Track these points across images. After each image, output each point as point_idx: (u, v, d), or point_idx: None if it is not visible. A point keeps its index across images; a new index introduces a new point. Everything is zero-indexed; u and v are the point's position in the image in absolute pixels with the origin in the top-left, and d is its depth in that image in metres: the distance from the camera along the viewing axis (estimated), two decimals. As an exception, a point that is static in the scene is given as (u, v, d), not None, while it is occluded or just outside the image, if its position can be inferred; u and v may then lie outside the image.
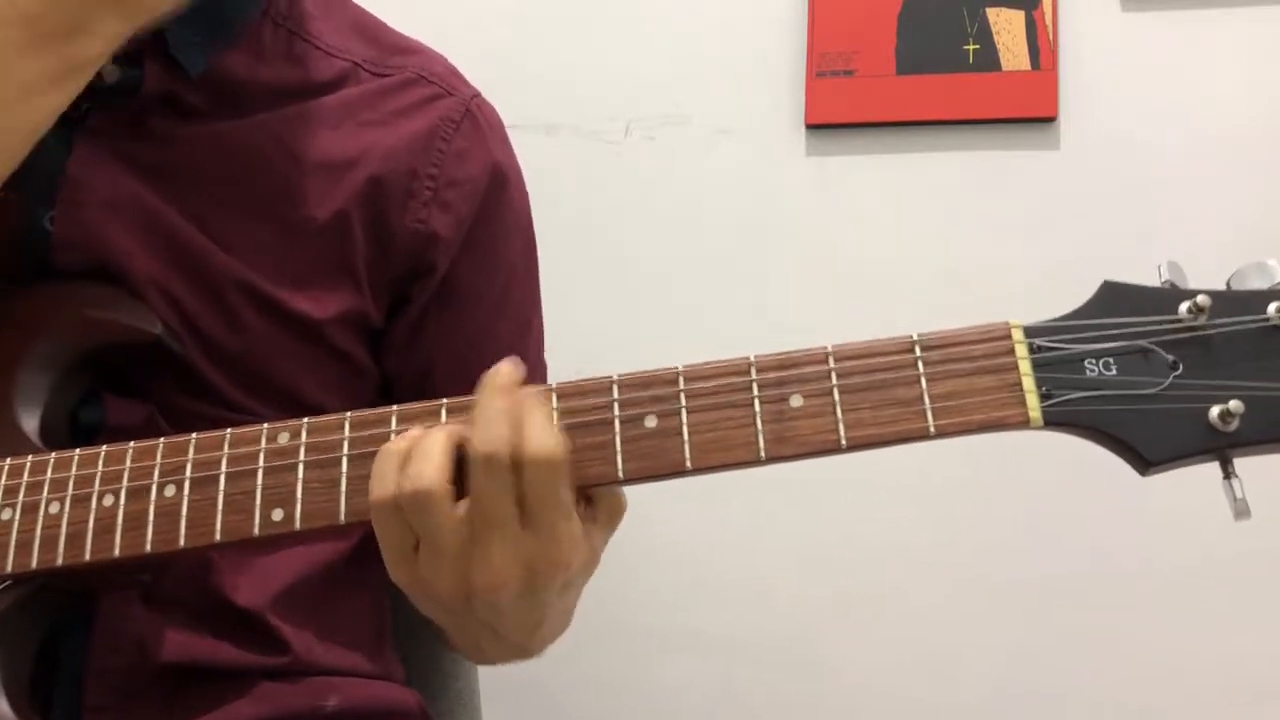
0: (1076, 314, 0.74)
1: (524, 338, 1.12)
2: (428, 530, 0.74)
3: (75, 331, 0.95)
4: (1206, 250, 1.54)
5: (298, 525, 0.81)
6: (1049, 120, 1.64)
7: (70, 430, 0.96)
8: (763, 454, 0.75)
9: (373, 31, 1.10)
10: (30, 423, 0.92)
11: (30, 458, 0.89)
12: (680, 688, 1.66)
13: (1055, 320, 0.73)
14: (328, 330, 1.01)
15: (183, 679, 0.94)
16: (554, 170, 1.80)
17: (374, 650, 1.07)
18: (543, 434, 0.74)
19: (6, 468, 0.89)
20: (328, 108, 1.04)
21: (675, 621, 1.68)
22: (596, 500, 0.79)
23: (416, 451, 0.75)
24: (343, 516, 0.80)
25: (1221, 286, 0.72)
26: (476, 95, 1.10)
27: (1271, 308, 0.71)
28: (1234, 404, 0.69)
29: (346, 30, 1.09)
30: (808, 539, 1.64)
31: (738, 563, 1.66)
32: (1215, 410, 0.70)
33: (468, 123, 1.07)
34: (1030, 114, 1.66)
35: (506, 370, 0.76)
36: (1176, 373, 0.71)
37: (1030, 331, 0.73)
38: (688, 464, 0.76)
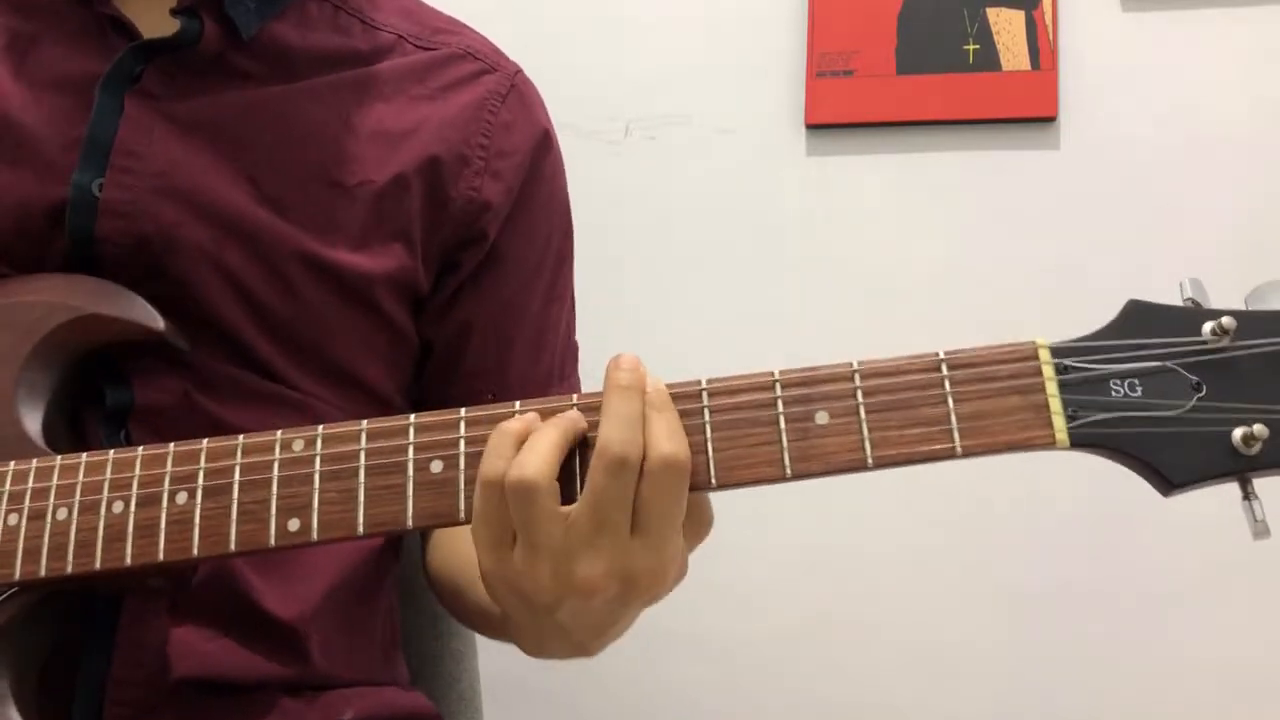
0: (1101, 333, 0.74)
1: (553, 312, 1.13)
2: (527, 523, 0.73)
3: (79, 329, 0.93)
4: (1206, 250, 1.56)
5: (315, 536, 0.80)
6: (1049, 120, 1.65)
7: (97, 415, 0.95)
8: (789, 471, 0.75)
9: (415, 10, 1.13)
10: (33, 424, 0.91)
11: (35, 462, 0.87)
12: (681, 688, 1.67)
13: (1081, 340, 0.74)
14: (377, 292, 1.01)
15: (201, 693, 0.94)
16: (554, 170, 1.79)
17: (386, 656, 1.08)
18: (672, 440, 0.73)
19: (10, 472, 0.87)
20: (378, 79, 1.06)
21: (677, 622, 1.67)
22: (689, 515, 0.77)
23: (528, 442, 0.74)
24: (361, 528, 0.79)
25: (1239, 303, 0.73)
26: (519, 70, 1.13)
27: None
28: (1258, 428, 0.70)
29: (389, 8, 1.11)
30: (810, 540, 1.64)
31: (740, 564, 1.66)
32: (1238, 433, 0.71)
33: (513, 96, 1.10)
34: (1030, 114, 1.67)
35: (630, 364, 0.75)
36: (1200, 394, 0.71)
37: (1057, 352, 0.74)
38: (713, 481, 0.75)
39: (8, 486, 0.87)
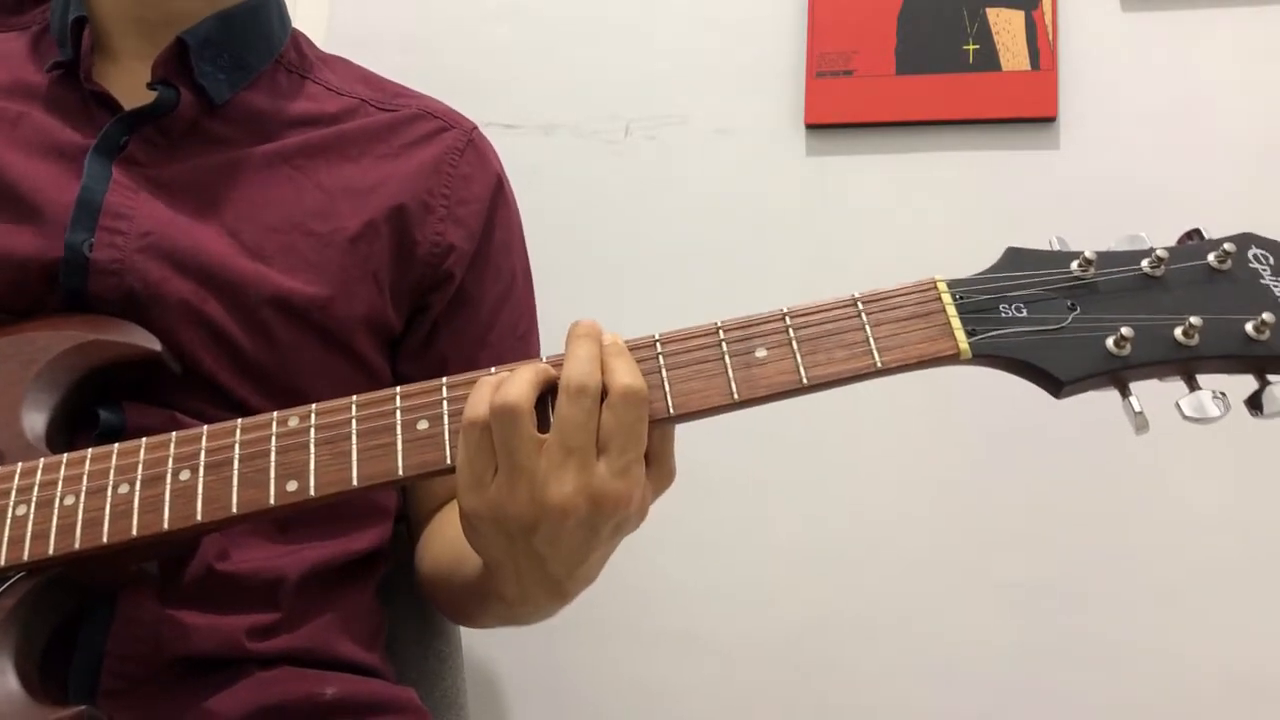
0: (988, 271, 0.91)
1: (523, 343, 1.27)
2: (510, 446, 0.85)
3: (79, 354, 1.02)
4: (1206, 250, 1.57)
5: (312, 493, 0.89)
6: (1049, 120, 1.68)
7: (90, 434, 1.03)
8: (736, 396, 0.87)
9: (373, 79, 1.29)
10: (37, 437, 0.99)
11: (42, 459, 0.95)
12: (674, 688, 1.70)
13: (972, 276, 0.90)
14: (354, 336, 1.14)
15: (193, 668, 1.03)
16: (554, 170, 1.83)
17: (370, 649, 1.17)
18: (629, 375, 0.86)
19: (19, 469, 0.95)
20: (344, 139, 1.20)
21: (670, 621, 1.69)
22: (653, 464, 0.90)
23: (508, 378, 0.87)
24: (355, 481, 0.89)
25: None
26: (475, 127, 1.27)
27: (1144, 263, 0.90)
28: (1126, 330, 0.85)
29: (349, 78, 1.27)
30: (808, 539, 1.68)
31: (735, 563, 1.68)
32: (1110, 339, 0.86)
33: (470, 150, 1.24)
34: (1030, 114, 1.71)
35: (588, 322, 0.89)
36: (1075, 312, 0.87)
37: (952, 284, 0.90)
38: (670, 411, 0.87)
39: (15, 482, 0.94)
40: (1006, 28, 1.72)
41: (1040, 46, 1.70)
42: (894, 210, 1.73)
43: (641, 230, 1.82)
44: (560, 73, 1.88)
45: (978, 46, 1.72)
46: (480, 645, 1.72)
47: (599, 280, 1.80)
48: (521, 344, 1.27)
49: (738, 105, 1.82)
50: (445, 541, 1.16)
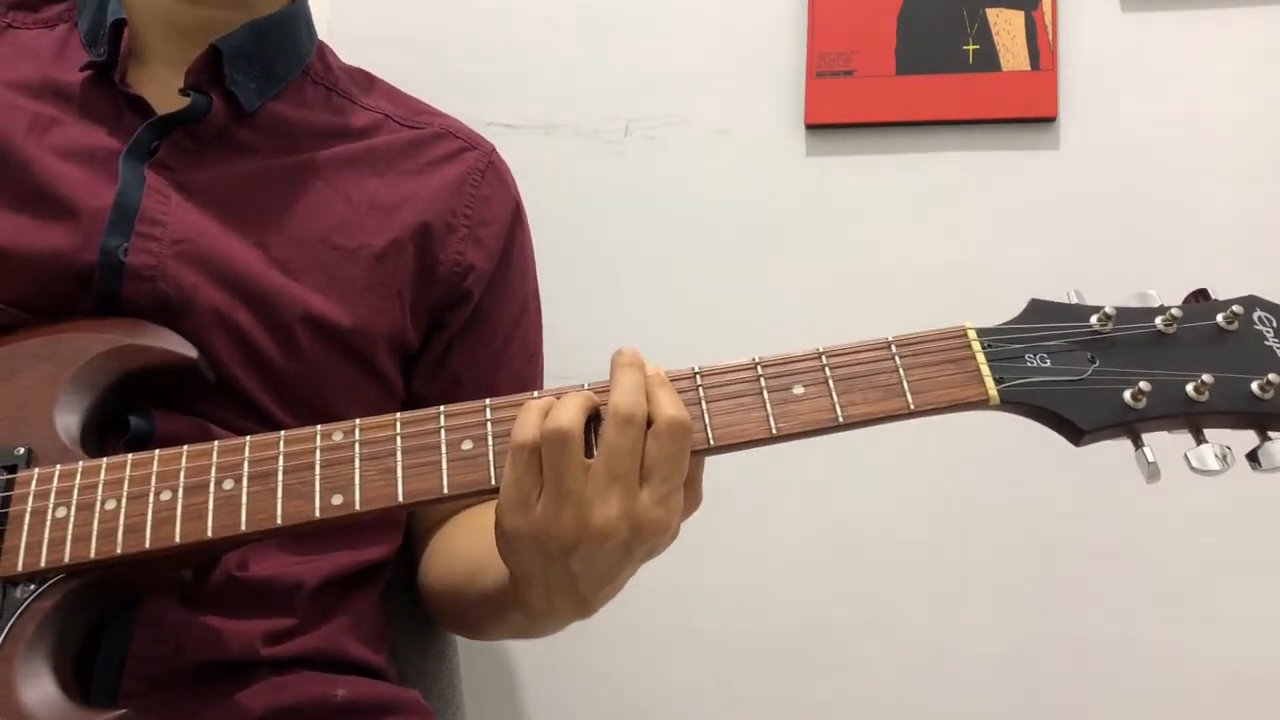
0: (1013, 322, 0.96)
1: (532, 364, 1.30)
2: (559, 469, 0.88)
3: (115, 358, 1.03)
4: (1207, 250, 1.58)
5: (358, 507, 0.92)
6: (1049, 120, 1.69)
7: (119, 439, 1.05)
8: (774, 431, 0.92)
9: (396, 95, 1.31)
10: (71, 440, 1.00)
11: (81, 463, 0.97)
12: (672, 687, 1.73)
13: (999, 326, 0.95)
14: (377, 350, 1.16)
15: (210, 672, 1.05)
16: (554, 170, 1.83)
17: (377, 650, 1.20)
18: (674, 406, 0.90)
19: (58, 471, 0.96)
20: (371, 154, 1.22)
21: (668, 620, 1.71)
22: (686, 490, 0.93)
23: (558, 403, 0.90)
24: (401, 497, 0.92)
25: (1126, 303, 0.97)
26: (494, 149, 1.30)
27: (1158, 320, 0.95)
28: (1143, 384, 0.91)
29: (374, 93, 1.30)
30: (809, 540, 1.68)
31: (735, 562, 1.69)
32: (1128, 392, 0.92)
33: (491, 172, 1.27)
34: (1030, 114, 1.72)
35: (631, 351, 0.93)
36: (1095, 364, 0.93)
37: (982, 332, 0.95)
38: (710, 442, 0.91)
39: (55, 484, 0.95)
40: (1006, 28, 1.72)
41: (1040, 46, 1.71)
42: (894, 210, 1.74)
43: (641, 230, 1.83)
44: (560, 73, 1.89)
45: (978, 47, 1.73)
46: (476, 645, 1.73)
47: (599, 280, 1.80)
48: (532, 364, 1.30)
49: (738, 105, 1.82)
50: (457, 555, 1.20)
